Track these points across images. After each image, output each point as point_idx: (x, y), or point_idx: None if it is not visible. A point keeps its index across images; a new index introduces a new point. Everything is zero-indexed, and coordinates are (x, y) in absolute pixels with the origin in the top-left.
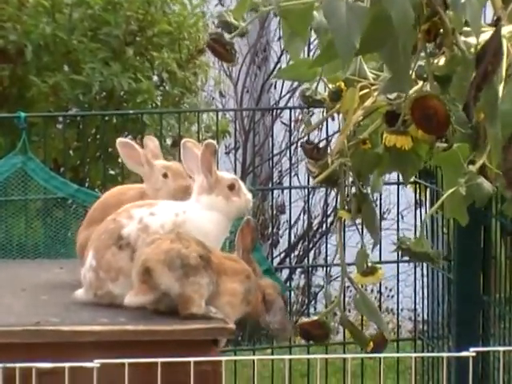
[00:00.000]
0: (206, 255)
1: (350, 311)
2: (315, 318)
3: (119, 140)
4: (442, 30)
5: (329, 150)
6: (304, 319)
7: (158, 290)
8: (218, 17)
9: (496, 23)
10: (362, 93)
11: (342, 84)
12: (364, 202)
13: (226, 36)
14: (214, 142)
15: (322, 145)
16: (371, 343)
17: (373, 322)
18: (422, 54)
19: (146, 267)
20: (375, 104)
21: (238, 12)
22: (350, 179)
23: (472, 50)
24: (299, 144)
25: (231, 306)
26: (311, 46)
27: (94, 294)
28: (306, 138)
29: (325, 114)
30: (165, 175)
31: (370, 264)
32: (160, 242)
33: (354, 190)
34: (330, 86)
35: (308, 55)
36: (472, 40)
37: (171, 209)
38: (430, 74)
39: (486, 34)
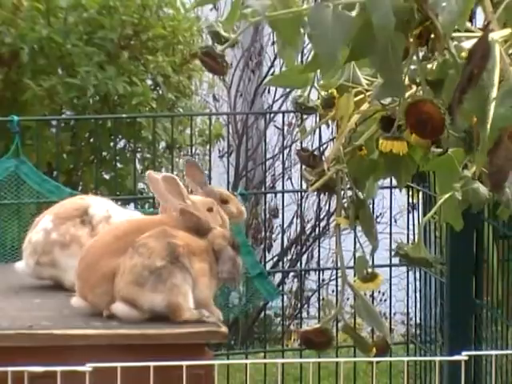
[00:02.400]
0: (172, 250)
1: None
2: (317, 325)
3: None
4: (433, 35)
5: (324, 157)
6: (306, 327)
7: (144, 311)
8: (208, 27)
9: (485, 27)
10: (356, 99)
11: (335, 91)
12: (361, 208)
13: (218, 47)
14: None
15: (317, 152)
16: (374, 349)
17: (375, 328)
18: (415, 59)
19: (121, 296)
20: (370, 110)
21: (228, 22)
22: (347, 186)
23: (463, 54)
24: (295, 151)
25: (208, 287)
26: (305, 51)
27: (37, 261)
28: (300, 146)
29: (318, 120)
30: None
31: (369, 270)
32: (122, 261)
33: (350, 196)
34: (323, 92)
35: (302, 62)
36: (465, 44)
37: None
38: (422, 79)
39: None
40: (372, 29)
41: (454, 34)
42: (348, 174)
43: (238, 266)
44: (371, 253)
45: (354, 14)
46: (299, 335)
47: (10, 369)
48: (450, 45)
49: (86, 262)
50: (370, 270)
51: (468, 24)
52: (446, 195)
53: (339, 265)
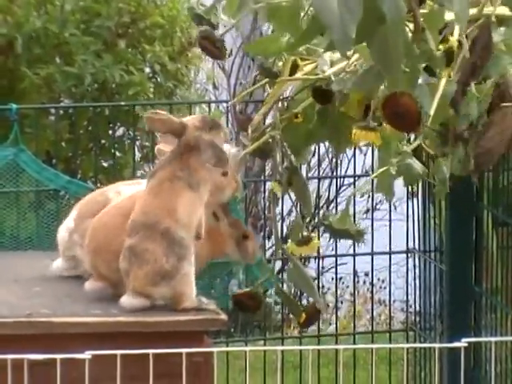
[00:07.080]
0: (170, 239)
1: (342, 303)
2: (248, 289)
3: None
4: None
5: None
6: (238, 290)
7: (153, 299)
8: (189, 10)
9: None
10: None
11: (299, 59)
12: (295, 175)
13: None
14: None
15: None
16: (303, 314)
17: (306, 294)
18: None
19: (137, 292)
20: (305, 77)
21: (228, 9)
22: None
23: (441, 46)
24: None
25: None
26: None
27: (63, 252)
28: (240, 109)
29: None
30: None
31: (305, 234)
32: (136, 265)
33: (283, 162)
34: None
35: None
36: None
37: None
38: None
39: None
40: (374, 14)
41: None
42: (283, 140)
43: (219, 147)
44: (306, 219)
45: None
46: (232, 298)
47: (9, 356)
48: (428, 37)
49: (98, 242)
50: (305, 234)
51: None
52: (382, 169)
53: (274, 231)
